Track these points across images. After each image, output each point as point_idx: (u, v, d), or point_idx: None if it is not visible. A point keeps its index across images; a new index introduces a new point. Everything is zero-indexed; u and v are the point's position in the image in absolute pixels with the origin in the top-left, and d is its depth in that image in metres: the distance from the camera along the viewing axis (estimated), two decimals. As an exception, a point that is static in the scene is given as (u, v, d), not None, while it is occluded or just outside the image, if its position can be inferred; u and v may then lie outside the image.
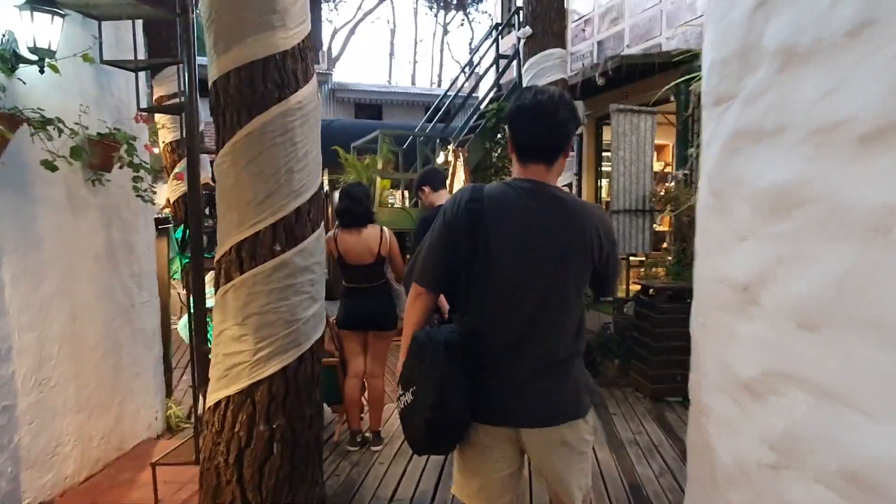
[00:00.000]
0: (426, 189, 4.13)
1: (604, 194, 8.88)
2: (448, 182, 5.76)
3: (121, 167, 3.62)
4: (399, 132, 8.66)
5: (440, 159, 7.38)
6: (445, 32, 31.42)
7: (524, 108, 1.76)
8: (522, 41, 6.20)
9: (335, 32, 24.91)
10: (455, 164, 5.67)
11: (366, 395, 4.24)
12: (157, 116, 4.96)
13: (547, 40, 6.00)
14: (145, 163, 3.70)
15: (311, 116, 2.67)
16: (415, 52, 35.80)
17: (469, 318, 1.78)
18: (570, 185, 6.08)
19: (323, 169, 9.58)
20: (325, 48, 19.33)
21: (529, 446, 1.81)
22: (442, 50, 33.06)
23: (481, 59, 9.80)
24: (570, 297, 1.78)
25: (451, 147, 5.75)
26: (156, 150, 4.31)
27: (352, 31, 25.19)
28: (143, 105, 4.18)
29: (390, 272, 4.15)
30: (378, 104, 17.22)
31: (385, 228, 4.11)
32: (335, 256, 3.99)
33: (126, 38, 3.91)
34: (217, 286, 2.64)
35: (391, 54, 30.23)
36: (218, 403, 2.62)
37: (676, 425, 4.71)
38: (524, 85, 6.24)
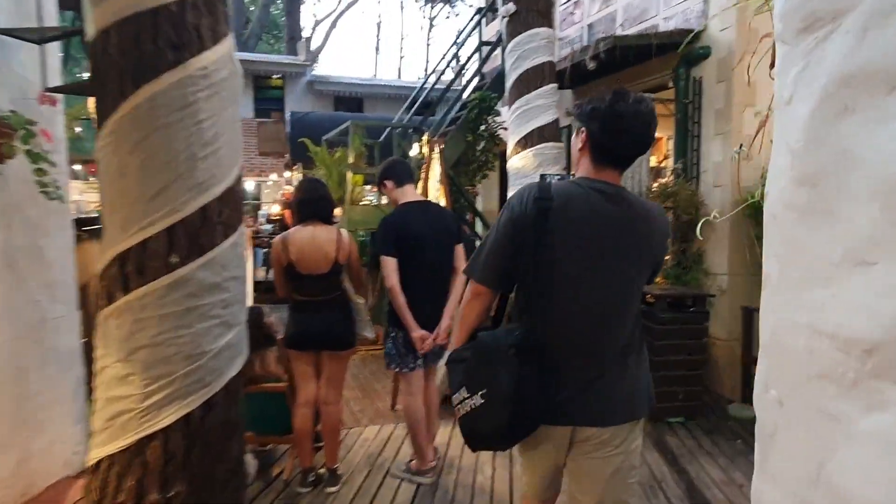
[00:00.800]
0: (388, 184, 3.52)
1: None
2: (423, 177, 5.16)
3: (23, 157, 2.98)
4: (373, 123, 8.03)
5: (414, 151, 6.77)
6: (432, 26, 30.70)
7: (622, 115, 1.71)
8: (505, 20, 5.60)
9: (317, 24, 24.17)
10: (430, 156, 5.07)
11: (319, 426, 3.62)
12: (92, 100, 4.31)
13: (532, 19, 5.41)
14: (46, 152, 3.06)
15: (224, 89, 2.05)
16: (401, 47, 35.11)
17: (533, 318, 1.77)
18: (561, 179, 5.49)
19: (293, 164, 8.92)
20: (304, 38, 18.62)
21: (579, 446, 1.83)
22: (429, 44, 32.29)
23: (460, 46, 9.19)
24: (634, 297, 1.84)
25: (425, 138, 5.15)
26: (63, 137, 3.65)
27: (333, 24, 24.47)
28: (55, 83, 3.54)
29: (348, 282, 3.54)
30: (359, 97, 16.57)
31: (343, 231, 3.50)
32: (283, 265, 3.37)
33: (28, 1, 3.27)
34: (97, 309, 2.02)
35: (377, 49, 29.58)
36: (98, 463, 2.00)
37: (680, 453, 4.14)
38: (507, 68, 5.64)
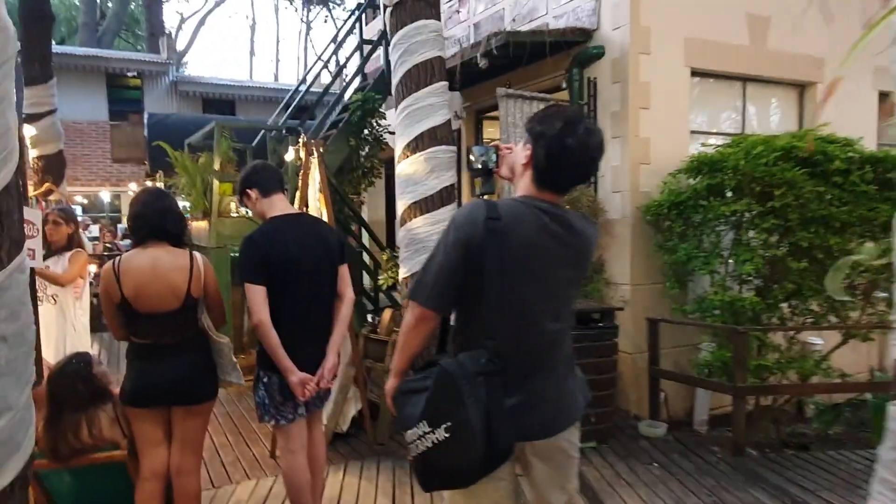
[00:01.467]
0: (252, 193, 2.85)
1: (485, 198, 7.95)
2: (300, 185, 4.49)
3: None
4: (241, 125, 7.19)
5: (289, 155, 6.05)
6: (309, 29, 29.58)
7: (569, 150, 1.71)
8: (388, 10, 5.05)
9: (183, 21, 22.45)
10: (308, 161, 4.42)
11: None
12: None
13: (419, 9, 4.88)
14: None
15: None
16: (277, 51, 33.59)
17: (494, 341, 1.72)
18: (451, 187, 5.01)
19: (154, 172, 7.78)
20: (167, 35, 17.08)
21: (534, 457, 1.84)
22: (306, 48, 31.02)
23: (339, 45, 8.55)
24: (573, 307, 1.94)
25: (301, 140, 4.48)
26: None
27: (202, 21, 22.85)
28: None
29: (206, 317, 2.83)
30: (230, 99, 15.37)
31: (198, 256, 2.79)
32: (115, 301, 2.61)
33: None
34: None
35: (251, 52, 28.00)
36: None
37: (599, 486, 3.76)
38: (393, 63, 5.08)
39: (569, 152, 1.71)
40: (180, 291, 2.63)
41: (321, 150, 4.39)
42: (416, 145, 4.96)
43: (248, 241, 2.78)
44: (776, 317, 4.65)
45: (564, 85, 5.71)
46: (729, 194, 4.60)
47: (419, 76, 4.95)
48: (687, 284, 5.09)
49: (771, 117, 6.18)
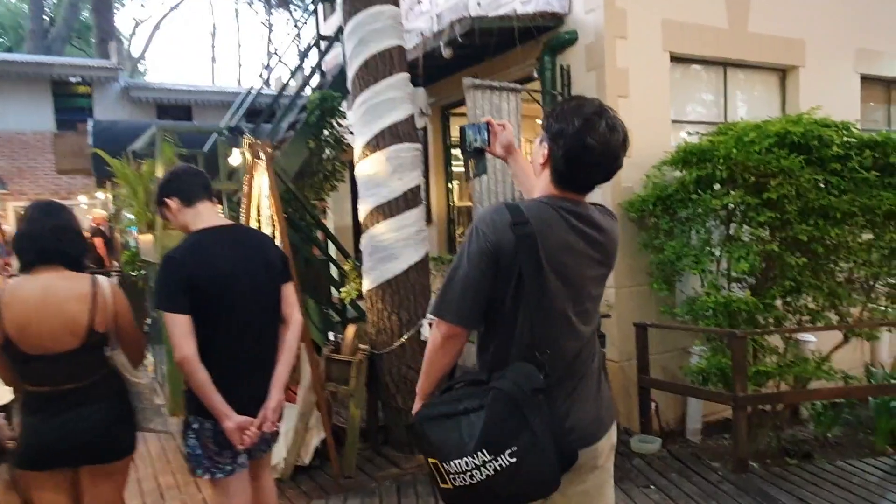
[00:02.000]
0: (172, 203, 2.37)
1: (455, 199, 7.49)
2: (245, 192, 3.99)
3: None
4: (185, 129, 6.65)
5: (235, 159, 5.53)
6: (271, 33, 28.73)
7: (590, 149, 1.58)
8: (342, -3, 4.59)
9: (137, 26, 21.61)
10: (254, 164, 3.91)
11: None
12: None
13: (374, -7, 4.44)
14: None
15: None
16: (239, 56, 32.69)
17: (540, 354, 1.62)
18: (417, 188, 4.57)
19: (102, 183, 7.09)
20: (118, 40, 16.31)
21: (573, 471, 1.69)
22: (269, 52, 30.17)
23: (293, 41, 8.03)
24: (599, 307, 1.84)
25: (246, 140, 3.97)
26: None
27: (157, 26, 22.05)
28: None
29: (119, 353, 2.34)
30: (187, 105, 14.69)
31: (103, 281, 2.29)
32: (-2, 340, 2.10)
33: None
34: None
35: (213, 58, 27.15)
36: None
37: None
38: (348, 54, 4.62)
39: (589, 152, 1.58)
40: (79, 327, 2.13)
41: (269, 151, 3.90)
42: (377, 143, 4.51)
43: (167, 261, 2.29)
44: (772, 316, 4.29)
45: (536, 74, 5.30)
46: (717, 186, 4.24)
47: (377, 67, 4.49)
48: (675, 285, 4.72)
49: (753, 104, 5.85)
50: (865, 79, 6.46)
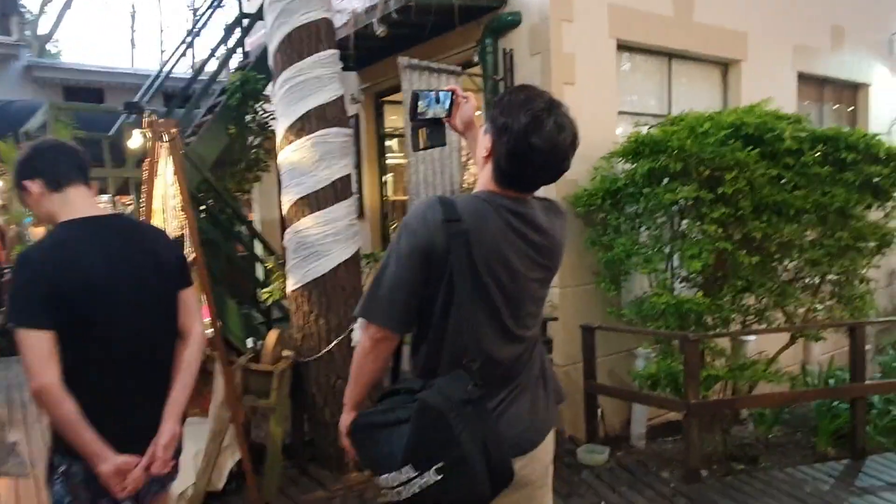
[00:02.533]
0: (33, 186, 1.87)
1: (389, 192, 7.07)
2: (144, 179, 3.44)
3: None
4: (87, 108, 5.96)
5: (135, 141, 4.92)
6: (196, 18, 27.11)
7: (536, 150, 1.47)
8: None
9: (47, 3, 19.98)
10: (157, 146, 3.37)
11: None
12: None
13: (298, -41, 3.96)
14: None
15: None
16: (161, 41, 30.82)
17: (468, 360, 1.52)
18: (347, 178, 4.13)
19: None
20: (23, 14, 14.94)
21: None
22: (193, 36, 28.43)
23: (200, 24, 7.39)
24: (542, 310, 1.75)
25: (146, 119, 3.41)
26: None
27: (67, 5, 20.47)
28: None
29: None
30: (98, 88, 13.57)
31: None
32: None
33: None
34: None
35: (132, 42, 25.48)
36: None
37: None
38: (269, 26, 4.12)
39: (535, 153, 1.47)
40: None
41: (174, 131, 3.37)
42: (302, 127, 4.04)
43: (22, 263, 1.80)
44: (720, 317, 4.09)
45: (477, 59, 4.95)
46: (667, 181, 4.01)
47: (302, 42, 4.02)
48: (622, 284, 4.48)
49: (696, 97, 5.69)
50: (802, 76, 6.45)
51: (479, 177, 1.62)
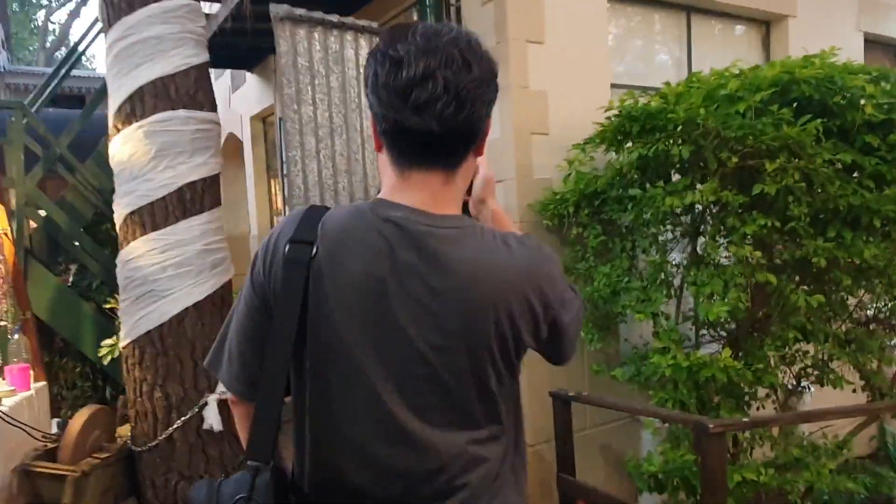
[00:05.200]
0: None
1: (279, 202, 5.74)
2: None
3: None
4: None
5: None
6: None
7: (397, 62, 0.93)
8: None
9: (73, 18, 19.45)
10: None
11: None
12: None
13: None
14: None
15: None
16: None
17: (298, 448, 1.06)
18: (206, 184, 2.86)
19: None
20: None
21: None
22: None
23: None
24: (473, 407, 1.02)
25: None
26: None
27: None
28: None
29: None
30: (80, 95, 12.70)
31: None
32: None
33: None
34: None
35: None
36: None
37: None
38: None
39: (396, 65, 0.92)
40: None
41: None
42: (132, 110, 2.79)
43: None
44: (766, 384, 2.66)
45: (416, 15, 3.63)
46: (676, 177, 2.61)
47: (134, -16, 2.79)
48: (613, 330, 3.08)
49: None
50: (869, 40, 4.93)
51: (382, 186, 1.07)
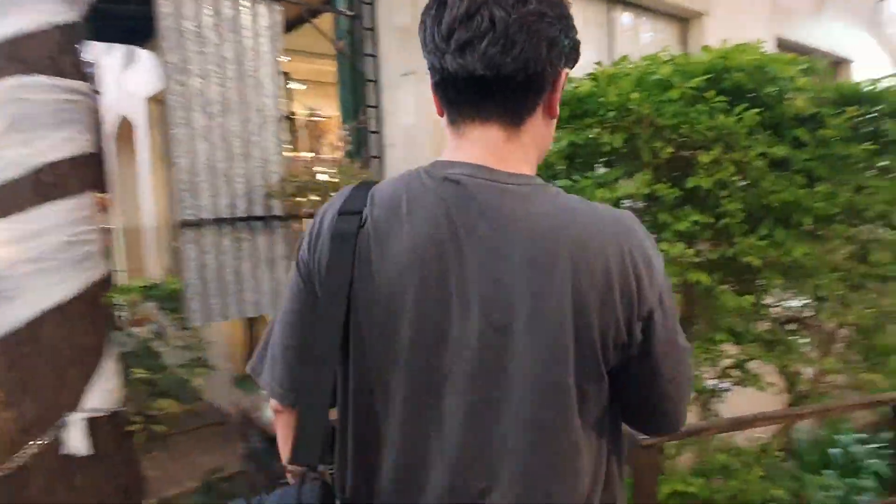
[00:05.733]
0: None
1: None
2: None
3: None
4: None
5: None
6: None
7: (443, 3, 0.83)
8: None
9: None
10: None
11: None
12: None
13: None
14: None
15: None
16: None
17: (343, 452, 0.92)
18: (76, 163, 2.44)
19: None
20: None
21: None
22: None
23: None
24: (556, 401, 0.83)
25: None
26: None
27: None
28: None
29: None
30: None
31: None
32: None
33: None
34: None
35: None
36: None
37: None
38: None
39: (447, 24, 0.82)
40: None
41: None
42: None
43: None
44: (695, 388, 2.53)
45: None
46: (600, 168, 2.44)
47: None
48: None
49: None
50: (781, 43, 5.04)
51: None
